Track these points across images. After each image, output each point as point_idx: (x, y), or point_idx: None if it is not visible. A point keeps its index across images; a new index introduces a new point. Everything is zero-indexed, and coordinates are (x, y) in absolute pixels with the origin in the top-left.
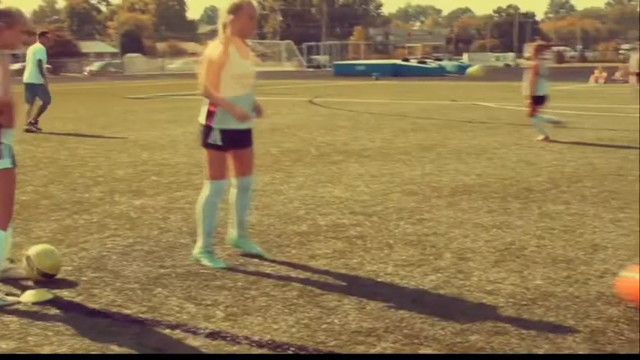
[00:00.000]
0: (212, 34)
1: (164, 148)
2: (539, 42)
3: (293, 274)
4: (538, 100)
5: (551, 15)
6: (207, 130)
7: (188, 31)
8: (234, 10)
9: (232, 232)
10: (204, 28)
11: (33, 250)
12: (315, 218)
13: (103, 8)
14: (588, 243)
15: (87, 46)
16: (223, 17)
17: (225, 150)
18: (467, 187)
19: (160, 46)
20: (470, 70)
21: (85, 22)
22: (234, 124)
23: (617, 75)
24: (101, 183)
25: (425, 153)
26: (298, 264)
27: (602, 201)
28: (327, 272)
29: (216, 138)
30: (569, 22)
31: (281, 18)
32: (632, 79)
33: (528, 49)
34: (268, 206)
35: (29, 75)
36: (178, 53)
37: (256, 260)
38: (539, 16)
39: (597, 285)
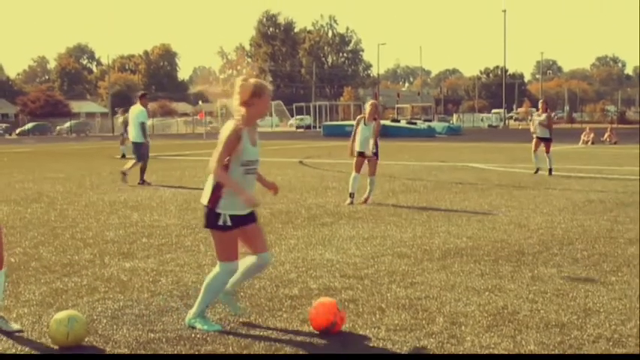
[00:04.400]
0: (202, 95)
1: (154, 209)
2: (372, 101)
3: (285, 338)
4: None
5: (538, 76)
6: (213, 213)
7: (179, 91)
8: (259, 93)
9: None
10: (194, 88)
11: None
12: (306, 281)
13: (94, 68)
14: (581, 307)
15: (78, 106)
16: (243, 96)
17: (233, 230)
18: (458, 250)
19: (151, 106)
20: None
21: (76, 82)
22: (240, 210)
23: (605, 136)
24: (91, 245)
25: (416, 215)
26: (290, 328)
27: (594, 264)
28: (318, 337)
29: (225, 220)
30: (556, 84)
31: (271, 79)
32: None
33: (366, 107)
34: None
35: (135, 135)
36: (169, 113)
37: (248, 324)
38: (526, 78)
39: (591, 350)
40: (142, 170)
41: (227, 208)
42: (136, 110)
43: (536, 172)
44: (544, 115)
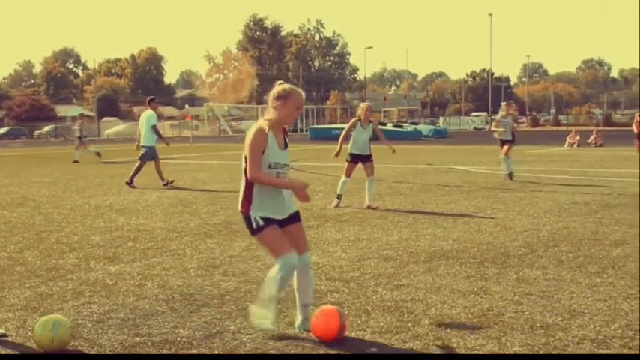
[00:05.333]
0: (188, 98)
1: (140, 213)
2: (367, 104)
3: (270, 341)
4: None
5: (524, 79)
6: (248, 218)
7: (165, 95)
8: (284, 96)
9: (297, 317)
10: (181, 92)
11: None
12: (292, 284)
13: (80, 72)
14: (565, 308)
15: (64, 110)
16: (270, 98)
17: (268, 227)
18: (444, 252)
19: (138, 110)
20: None
21: (62, 86)
22: (274, 214)
23: (591, 139)
24: (77, 249)
25: (402, 218)
26: (276, 331)
27: (579, 265)
28: (304, 340)
29: (258, 221)
30: (542, 86)
31: (257, 82)
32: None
33: (360, 110)
34: (245, 272)
35: (145, 139)
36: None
37: (233, 327)
38: (513, 80)
39: (576, 351)
40: (137, 171)
41: (259, 210)
42: (147, 114)
43: (511, 179)
44: (509, 118)
